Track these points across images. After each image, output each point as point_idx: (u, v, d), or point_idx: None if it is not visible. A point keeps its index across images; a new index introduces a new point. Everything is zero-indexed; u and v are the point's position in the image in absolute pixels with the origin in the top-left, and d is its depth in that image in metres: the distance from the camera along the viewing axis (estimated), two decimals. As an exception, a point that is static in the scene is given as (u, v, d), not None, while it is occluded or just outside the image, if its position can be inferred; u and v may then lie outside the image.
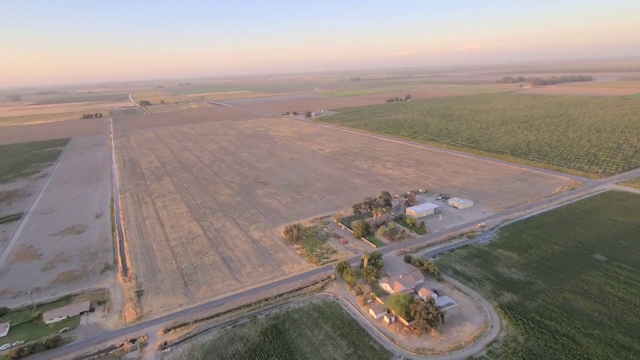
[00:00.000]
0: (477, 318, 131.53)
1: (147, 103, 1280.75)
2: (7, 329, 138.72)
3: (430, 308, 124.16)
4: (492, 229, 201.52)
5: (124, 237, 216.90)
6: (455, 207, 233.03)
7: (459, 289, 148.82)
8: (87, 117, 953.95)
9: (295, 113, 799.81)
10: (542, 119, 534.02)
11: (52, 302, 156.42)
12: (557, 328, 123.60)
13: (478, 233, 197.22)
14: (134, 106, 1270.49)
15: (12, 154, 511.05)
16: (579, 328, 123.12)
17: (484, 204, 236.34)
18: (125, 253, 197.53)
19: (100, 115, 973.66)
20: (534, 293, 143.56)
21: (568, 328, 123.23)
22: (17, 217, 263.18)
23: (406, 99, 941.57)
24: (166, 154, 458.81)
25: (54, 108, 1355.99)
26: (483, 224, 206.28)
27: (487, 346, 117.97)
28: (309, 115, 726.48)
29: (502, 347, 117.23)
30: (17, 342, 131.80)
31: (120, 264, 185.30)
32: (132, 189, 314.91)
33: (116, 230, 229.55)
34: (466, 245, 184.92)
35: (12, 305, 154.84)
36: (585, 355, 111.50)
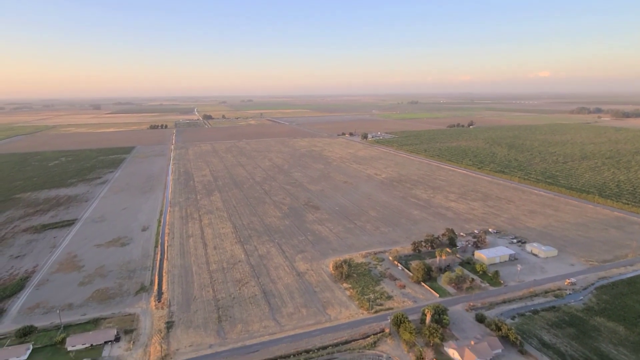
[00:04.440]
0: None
1: (209, 117, 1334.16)
2: (29, 352, 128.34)
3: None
4: (585, 288, 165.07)
5: (165, 256, 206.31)
6: (535, 255, 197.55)
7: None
8: (154, 127, 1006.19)
9: (351, 134, 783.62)
10: (632, 156, 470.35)
11: (79, 323, 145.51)
12: None
13: (568, 292, 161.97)
14: (197, 119, 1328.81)
15: (81, 159, 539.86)
16: None
17: (571, 254, 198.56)
18: (164, 274, 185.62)
19: (166, 127, 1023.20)
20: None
21: None
22: (71, 223, 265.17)
23: (469, 126, 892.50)
24: (220, 168, 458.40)
25: (126, 117, 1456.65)
26: (573, 280, 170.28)
27: None
28: (365, 137, 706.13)
29: None
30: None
31: (156, 287, 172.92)
32: (182, 203, 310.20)
33: (159, 246, 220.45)
34: (553, 307, 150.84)
35: (41, 322, 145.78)
36: None
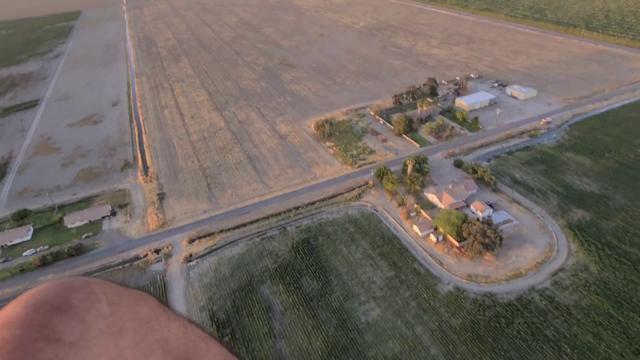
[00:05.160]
0: (540, 240, 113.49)
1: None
2: (31, 232, 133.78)
3: (488, 231, 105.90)
4: (559, 126, 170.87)
5: (143, 130, 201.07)
6: (515, 98, 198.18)
7: (518, 202, 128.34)
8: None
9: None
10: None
11: (72, 203, 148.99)
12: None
13: (542, 131, 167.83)
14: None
15: (24, 31, 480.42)
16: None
17: (550, 94, 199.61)
18: (145, 148, 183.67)
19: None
20: (611, 210, 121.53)
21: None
22: (34, 104, 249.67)
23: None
24: (183, 29, 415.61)
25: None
26: (548, 119, 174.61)
27: (552, 275, 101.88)
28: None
29: (570, 277, 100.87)
30: (41, 247, 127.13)
31: (140, 161, 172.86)
32: (149, 72, 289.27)
33: (134, 121, 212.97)
34: (527, 147, 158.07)
35: (34, 205, 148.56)
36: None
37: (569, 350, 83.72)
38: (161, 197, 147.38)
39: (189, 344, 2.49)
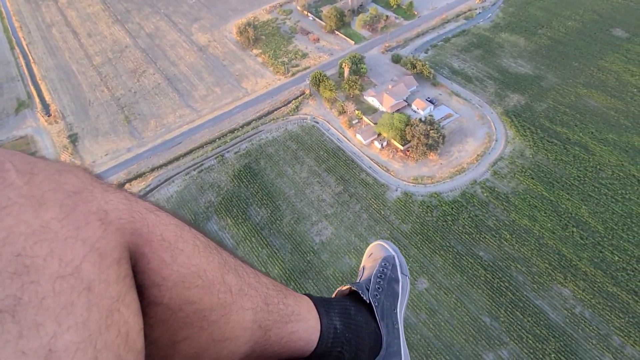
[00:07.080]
0: (479, 131, 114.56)
1: None
2: None
3: (431, 132, 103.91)
4: (493, 4, 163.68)
5: (30, 58, 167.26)
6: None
7: (457, 95, 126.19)
8: None
9: None
10: None
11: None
12: (569, 135, 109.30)
13: (478, 11, 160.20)
14: None
15: None
16: (592, 133, 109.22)
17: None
18: (39, 81, 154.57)
19: None
20: (544, 91, 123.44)
21: (581, 134, 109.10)
22: None
23: None
24: None
25: None
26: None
27: (492, 166, 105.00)
28: None
29: (508, 165, 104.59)
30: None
31: (37, 99, 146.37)
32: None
33: (16, 47, 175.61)
34: (464, 31, 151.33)
35: None
36: (598, 166, 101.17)
37: (508, 235, 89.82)
38: (73, 139, 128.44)
39: (133, 214, 2.12)
